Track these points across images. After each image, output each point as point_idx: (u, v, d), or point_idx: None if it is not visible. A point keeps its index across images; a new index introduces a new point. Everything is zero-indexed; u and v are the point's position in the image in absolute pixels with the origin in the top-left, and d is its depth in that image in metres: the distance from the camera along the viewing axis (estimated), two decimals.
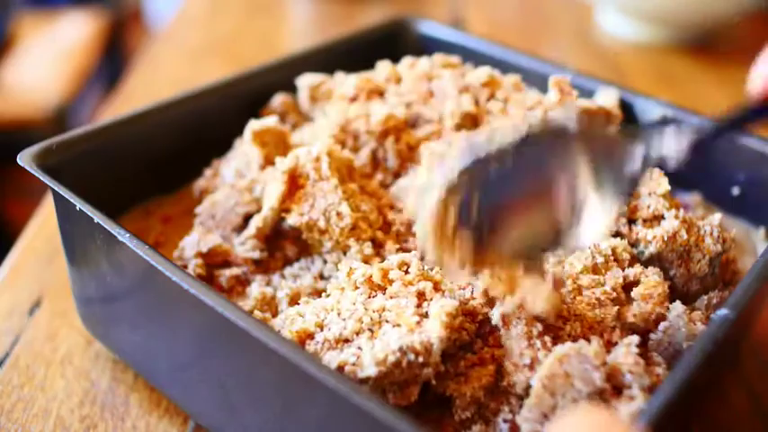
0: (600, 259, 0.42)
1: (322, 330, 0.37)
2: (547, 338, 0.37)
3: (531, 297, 0.36)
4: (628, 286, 0.41)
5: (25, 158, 0.43)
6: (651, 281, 0.40)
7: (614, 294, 0.40)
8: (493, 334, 0.38)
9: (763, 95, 0.36)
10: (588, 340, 0.38)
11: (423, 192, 0.35)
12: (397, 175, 0.49)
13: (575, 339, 0.38)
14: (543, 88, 0.59)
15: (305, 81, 0.55)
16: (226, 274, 0.43)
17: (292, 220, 0.43)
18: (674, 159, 0.35)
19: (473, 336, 0.38)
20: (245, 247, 0.44)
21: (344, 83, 0.54)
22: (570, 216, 0.35)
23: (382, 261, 0.40)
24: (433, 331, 0.36)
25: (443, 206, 0.34)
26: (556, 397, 0.34)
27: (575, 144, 0.34)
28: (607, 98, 0.53)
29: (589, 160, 0.35)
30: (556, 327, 0.38)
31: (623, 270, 0.42)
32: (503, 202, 0.35)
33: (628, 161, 0.35)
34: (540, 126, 0.34)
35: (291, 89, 0.57)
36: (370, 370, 0.34)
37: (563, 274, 0.39)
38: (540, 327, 0.38)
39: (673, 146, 0.35)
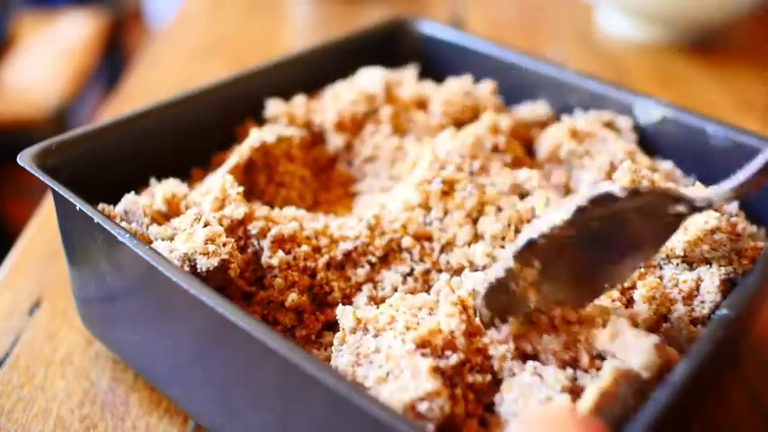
0: None
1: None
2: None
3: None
4: (631, 288, 0.41)
5: (25, 158, 0.43)
6: (652, 281, 0.40)
7: (623, 299, 0.40)
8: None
9: None
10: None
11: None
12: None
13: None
14: (543, 88, 0.59)
15: (161, 189, 0.46)
16: None
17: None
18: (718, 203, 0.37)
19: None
20: None
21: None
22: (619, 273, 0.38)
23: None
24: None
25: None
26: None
27: (621, 207, 0.36)
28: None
29: (636, 220, 0.37)
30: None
31: None
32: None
33: (664, 219, 0.37)
34: (586, 198, 0.36)
35: (290, 89, 0.57)
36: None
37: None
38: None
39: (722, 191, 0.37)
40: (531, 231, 0.36)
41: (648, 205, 0.36)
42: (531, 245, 0.36)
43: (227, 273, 0.40)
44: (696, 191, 0.39)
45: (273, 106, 0.55)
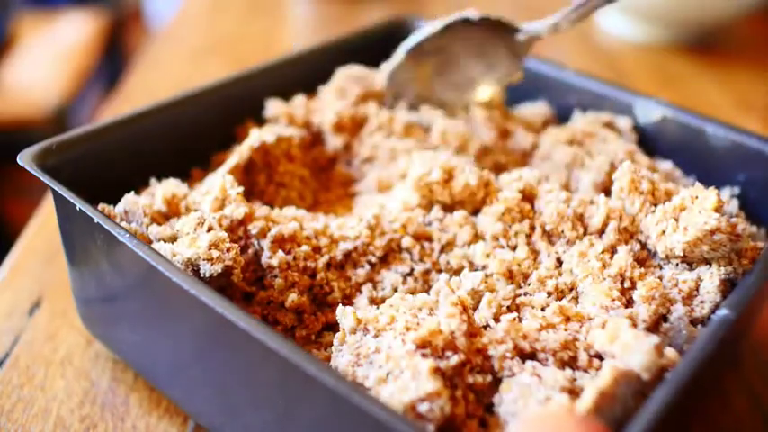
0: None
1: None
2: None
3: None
4: (631, 288, 0.41)
5: (25, 158, 0.43)
6: (652, 281, 0.40)
7: (623, 299, 0.40)
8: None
9: None
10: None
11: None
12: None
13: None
14: (543, 88, 0.59)
15: (161, 189, 0.45)
16: None
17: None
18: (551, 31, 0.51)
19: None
20: None
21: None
22: (470, 82, 0.55)
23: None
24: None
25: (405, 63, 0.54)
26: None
27: (476, 31, 0.53)
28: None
29: (485, 42, 0.53)
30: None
31: (622, 275, 0.42)
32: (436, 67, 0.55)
33: (513, 43, 0.53)
34: (452, 19, 0.52)
35: (290, 89, 0.57)
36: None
37: None
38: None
39: (547, 24, 0.51)
40: (414, 38, 0.53)
41: (496, 32, 0.53)
42: (418, 46, 0.53)
43: (230, 278, 0.40)
44: (531, 25, 0.52)
45: (273, 106, 0.55)
